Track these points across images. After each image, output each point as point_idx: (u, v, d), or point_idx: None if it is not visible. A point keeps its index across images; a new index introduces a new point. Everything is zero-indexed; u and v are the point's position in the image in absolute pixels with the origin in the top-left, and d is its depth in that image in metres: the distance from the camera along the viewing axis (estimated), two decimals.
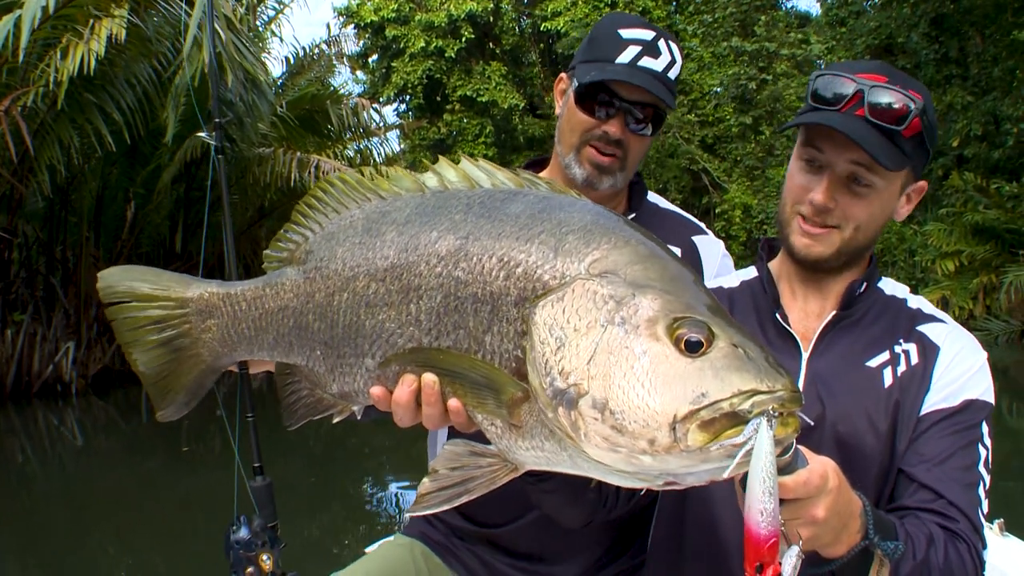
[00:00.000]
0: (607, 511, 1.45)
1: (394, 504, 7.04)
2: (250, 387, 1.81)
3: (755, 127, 23.19)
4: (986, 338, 13.94)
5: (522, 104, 26.18)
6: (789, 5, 27.24)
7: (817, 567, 1.19)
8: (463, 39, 25.35)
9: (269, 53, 16.37)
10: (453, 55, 25.39)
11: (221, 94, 2.12)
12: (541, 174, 1.69)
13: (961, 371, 1.45)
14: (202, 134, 1.99)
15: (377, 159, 15.93)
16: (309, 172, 11.88)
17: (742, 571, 0.97)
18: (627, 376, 0.99)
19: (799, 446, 1.06)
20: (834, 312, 1.51)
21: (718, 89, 24.15)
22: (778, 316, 1.52)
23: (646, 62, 1.70)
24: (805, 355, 1.49)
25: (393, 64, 26.28)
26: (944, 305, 15.36)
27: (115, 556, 6.03)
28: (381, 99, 25.80)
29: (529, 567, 1.79)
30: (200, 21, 8.92)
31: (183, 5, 9.70)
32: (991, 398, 1.46)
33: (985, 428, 1.43)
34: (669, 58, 1.73)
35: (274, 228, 11.42)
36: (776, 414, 0.97)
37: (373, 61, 28.11)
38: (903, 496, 1.39)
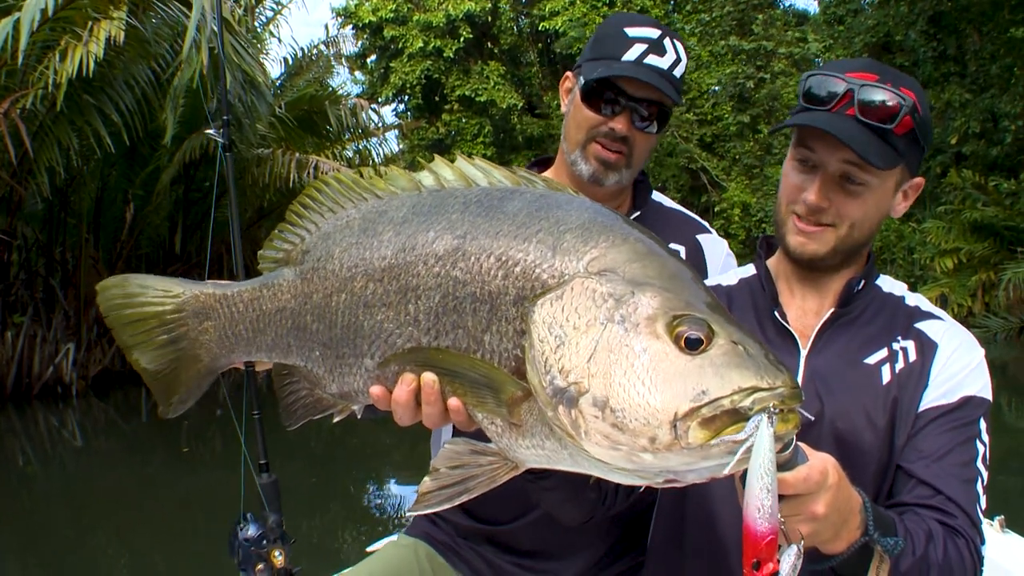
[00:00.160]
0: (607, 508, 1.45)
1: (395, 504, 7.05)
2: (256, 384, 1.82)
3: (753, 126, 23.21)
4: (985, 335, 13.92)
5: (520, 104, 26.17)
6: (787, 3, 27.20)
7: (817, 563, 1.19)
8: (461, 39, 25.34)
9: (267, 54, 16.37)
10: (451, 55, 25.38)
11: (223, 93, 2.10)
12: (544, 173, 1.69)
13: (959, 368, 1.45)
14: (210, 131, 1.97)
15: (376, 159, 15.91)
16: (308, 173, 11.85)
17: (741, 568, 0.97)
18: (627, 374, 0.99)
19: (799, 442, 1.07)
20: (832, 310, 1.51)
21: (716, 88, 24.18)
22: (776, 314, 1.52)
23: (652, 60, 1.71)
24: (803, 352, 1.49)
25: (391, 64, 26.27)
26: (943, 302, 15.36)
27: (115, 556, 6.03)
28: (379, 99, 25.78)
29: (533, 565, 1.79)
30: (198, 23, 8.92)
31: (180, 6, 9.69)
32: (989, 394, 1.46)
33: (983, 424, 1.43)
34: (675, 56, 1.74)
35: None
36: (776, 411, 0.97)
37: (371, 61, 28.10)
38: (901, 492, 1.40)
